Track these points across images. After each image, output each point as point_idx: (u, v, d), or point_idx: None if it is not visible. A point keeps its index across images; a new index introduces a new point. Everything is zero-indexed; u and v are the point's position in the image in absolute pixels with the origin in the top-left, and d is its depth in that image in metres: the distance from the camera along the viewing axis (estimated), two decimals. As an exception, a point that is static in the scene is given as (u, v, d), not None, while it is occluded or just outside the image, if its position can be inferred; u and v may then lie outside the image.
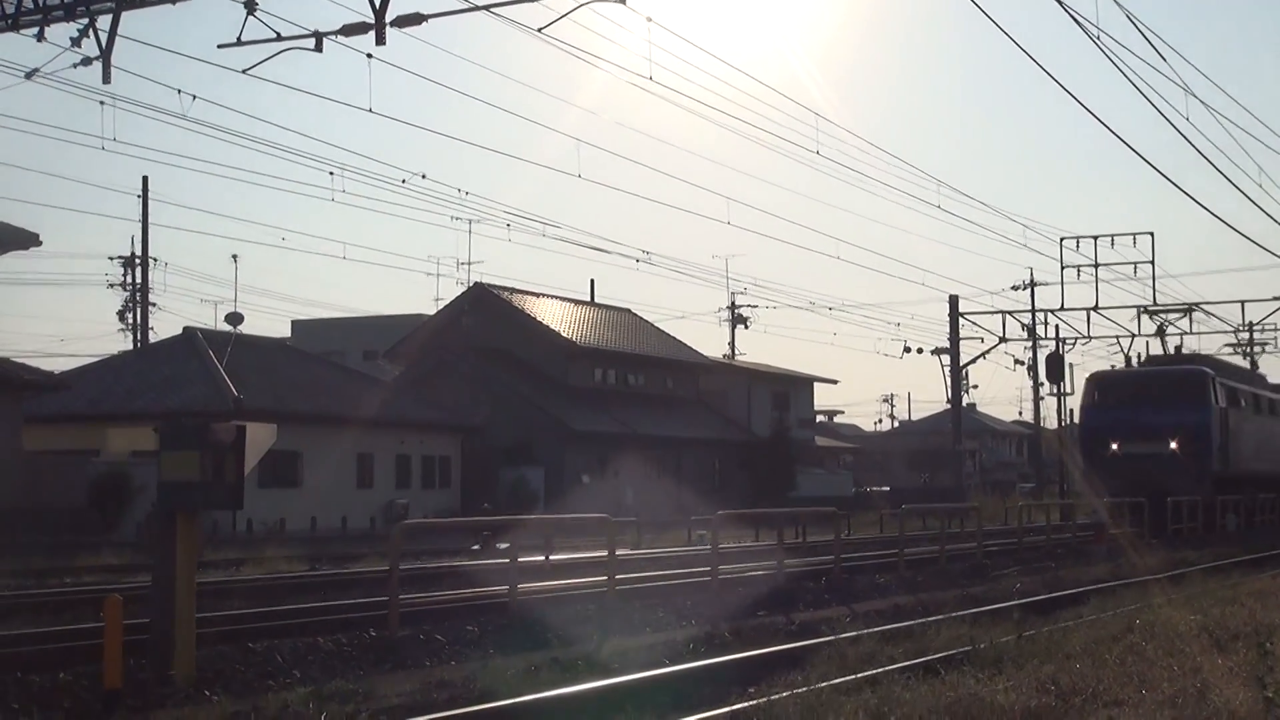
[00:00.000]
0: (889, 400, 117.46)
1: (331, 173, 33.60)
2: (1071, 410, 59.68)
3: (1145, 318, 47.51)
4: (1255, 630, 11.73)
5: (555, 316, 58.44)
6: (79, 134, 78.99)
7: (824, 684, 9.11)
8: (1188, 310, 46.69)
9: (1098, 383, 39.04)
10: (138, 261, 53.60)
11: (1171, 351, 47.60)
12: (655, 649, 11.99)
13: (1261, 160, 59.89)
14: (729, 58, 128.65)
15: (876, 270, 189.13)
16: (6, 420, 34.87)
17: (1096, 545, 26.73)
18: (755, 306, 72.57)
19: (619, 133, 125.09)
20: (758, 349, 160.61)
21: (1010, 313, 52.61)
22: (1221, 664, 9.61)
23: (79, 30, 18.47)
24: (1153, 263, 45.14)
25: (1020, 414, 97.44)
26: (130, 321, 55.45)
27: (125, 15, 18.46)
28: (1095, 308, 47.37)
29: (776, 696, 8.63)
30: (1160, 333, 46.37)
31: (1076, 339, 50.79)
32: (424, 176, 46.86)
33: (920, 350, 58.56)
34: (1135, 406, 36.96)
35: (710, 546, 19.16)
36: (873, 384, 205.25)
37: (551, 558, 23.95)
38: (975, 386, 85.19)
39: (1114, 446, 36.41)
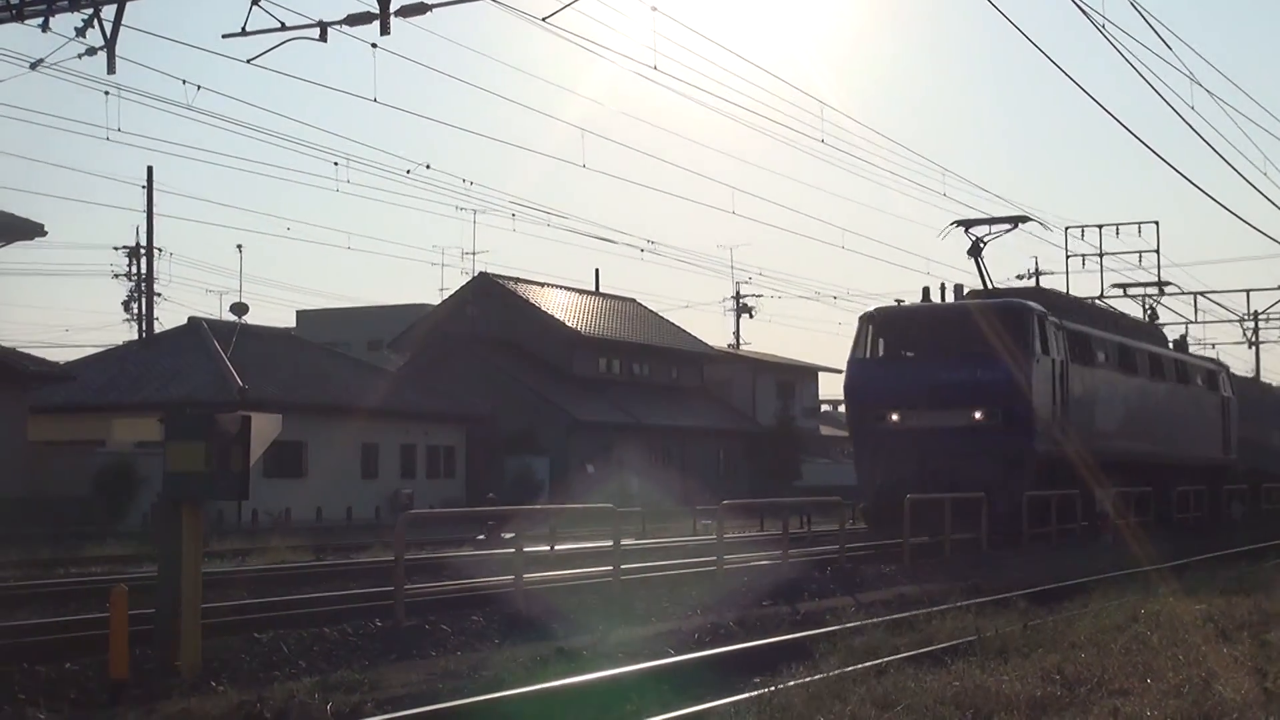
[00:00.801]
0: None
1: (336, 163, 33.83)
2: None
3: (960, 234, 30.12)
4: (1261, 620, 11.75)
5: (560, 306, 58.44)
6: (84, 124, 78.88)
7: (830, 674, 9.11)
8: (1014, 222, 30.30)
9: (875, 324, 27.18)
10: (142, 252, 53.63)
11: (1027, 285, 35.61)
12: (661, 639, 12.00)
13: (1267, 149, 59.84)
14: (734, 47, 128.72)
15: (882, 259, 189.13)
16: (12, 411, 34.92)
17: (1103, 535, 26.69)
18: (760, 296, 72.83)
19: (624, 122, 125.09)
20: (763, 338, 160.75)
21: (1015, 302, 52.29)
22: (1226, 654, 9.62)
23: (83, 20, 18.45)
24: (1158, 251, 44.97)
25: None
26: (135, 312, 55.56)
27: (129, 5, 18.43)
28: (1100, 296, 47.34)
29: (783, 686, 8.63)
30: (975, 252, 29.22)
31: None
32: (428, 166, 46.87)
33: (925, 339, 58.06)
34: (924, 358, 26.58)
35: (715, 536, 19.17)
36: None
37: (556, 547, 23.99)
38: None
39: (893, 417, 26.05)
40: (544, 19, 18.54)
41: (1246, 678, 8.51)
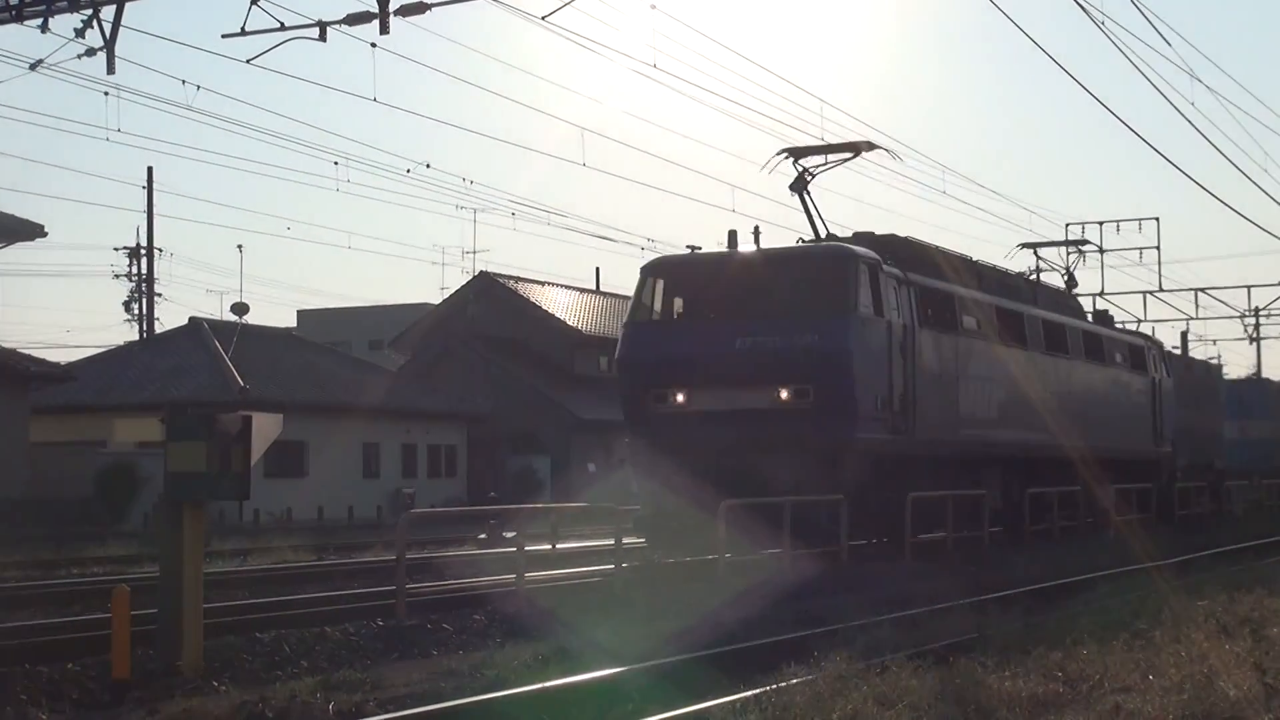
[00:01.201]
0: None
1: (336, 162, 33.81)
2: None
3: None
4: (1263, 616, 11.75)
5: (561, 305, 58.43)
6: (84, 125, 79.32)
7: (832, 671, 9.11)
8: (855, 150, 23.31)
9: (658, 276, 21.47)
10: (143, 252, 53.63)
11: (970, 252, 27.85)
12: (663, 637, 11.98)
13: (1267, 145, 60.03)
14: (734, 45, 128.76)
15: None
16: (13, 412, 34.91)
17: (1104, 531, 26.68)
18: (760, 294, 72.46)
19: (624, 121, 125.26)
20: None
21: (1015, 298, 52.00)
22: (1229, 650, 9.61)
23: (83, 21, 18.45)
24: (1158, 248, 44.95)
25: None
26: (136, 312, 55.51)
27: (129, 6, 18.43)
28: (1101, 293, 47.36)
29: (784, 685, 8.63)
30: (800, 186, 22.70)
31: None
32: (428, 166, 46.91)
33: (925, 336, 57.77)
34: (719, 321, 20.74)
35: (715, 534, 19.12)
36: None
37: (558, 546, 23.99)
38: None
39: (678, 397, 20.44)
40: (543, 17, 18.52)
41: (1250, 674, 8.50)
